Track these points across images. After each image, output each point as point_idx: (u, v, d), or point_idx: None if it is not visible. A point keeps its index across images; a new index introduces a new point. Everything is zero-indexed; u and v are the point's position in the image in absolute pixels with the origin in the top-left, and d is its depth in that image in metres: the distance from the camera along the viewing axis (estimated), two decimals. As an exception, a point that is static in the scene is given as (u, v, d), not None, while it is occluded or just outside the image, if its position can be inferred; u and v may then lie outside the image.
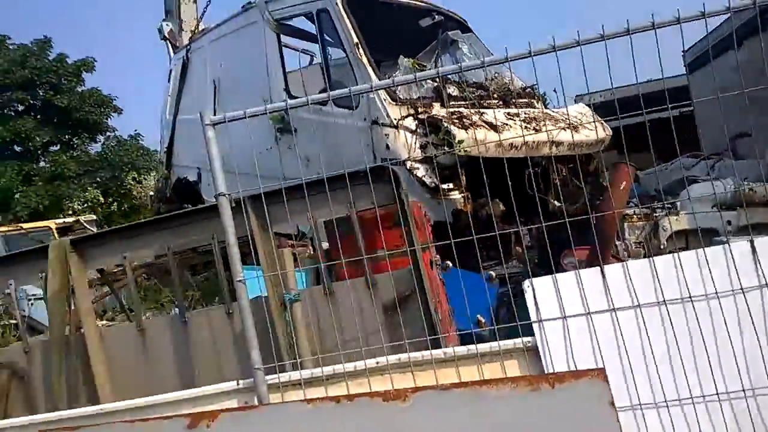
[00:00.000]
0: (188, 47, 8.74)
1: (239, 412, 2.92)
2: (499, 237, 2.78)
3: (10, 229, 12.48)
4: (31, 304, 7.30)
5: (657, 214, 5.24)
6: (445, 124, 4.86)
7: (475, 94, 5.63)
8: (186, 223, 3.55)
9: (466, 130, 4.92)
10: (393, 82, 3.34)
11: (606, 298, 2.81)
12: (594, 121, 5.65)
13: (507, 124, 5.34)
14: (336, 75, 6.13)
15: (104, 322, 6.22)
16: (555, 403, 2.52)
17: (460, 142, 4.74)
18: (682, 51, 10.04)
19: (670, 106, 2.59)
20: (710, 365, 2.57)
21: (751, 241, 2.64)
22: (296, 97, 6.22)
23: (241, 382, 3.02)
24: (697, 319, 2.62)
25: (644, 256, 4.18)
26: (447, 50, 6.68)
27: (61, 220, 13.30)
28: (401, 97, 5.33)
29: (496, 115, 5.28)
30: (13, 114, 21.29)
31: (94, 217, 15.79)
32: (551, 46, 2.61)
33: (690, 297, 2.65)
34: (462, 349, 2.93)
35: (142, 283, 6.69)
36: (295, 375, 2.95)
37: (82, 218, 13.49)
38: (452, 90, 5.57)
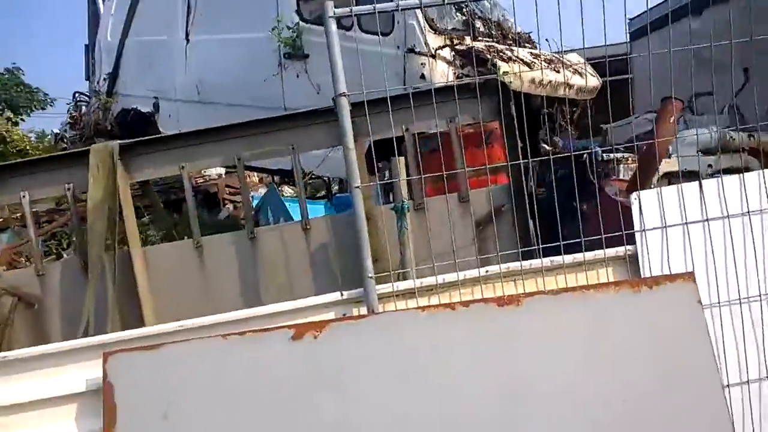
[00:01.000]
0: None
1: (350, 321, 2.93)
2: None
3: None
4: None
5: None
6: (490, 56, 4.97)
7: (497, 32, 5.77)
8: (257, 132, 3.40)
9: (507, 63, 5.07)
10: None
11: (701, 209, 3.11)
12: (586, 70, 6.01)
13: (534, 62, 5.56)
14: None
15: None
16: (653, 303, 2.83)
17: (506, 73, 4.87)
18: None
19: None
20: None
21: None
22: (307, 20, 6.08)
23: (345, 293, 3.02)
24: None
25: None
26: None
27: None
28: (438, 27, 5.35)
29: (522, 53, 5.47)
30: None
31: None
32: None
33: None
34: (568, 258, 3.09)
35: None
36: (402, 285, 2.98)
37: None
38: (479, 26, 5.68)
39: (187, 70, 7.60)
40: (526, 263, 3.11)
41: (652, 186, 5.22)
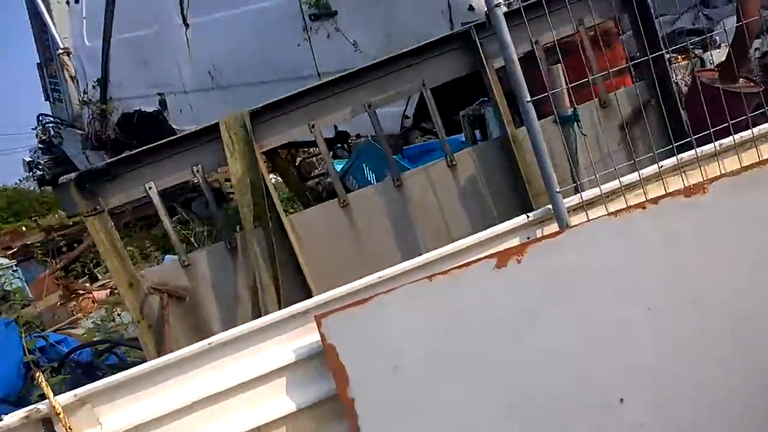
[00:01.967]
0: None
1: (548, 240, 2.83)
2: None
3: None
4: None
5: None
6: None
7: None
8: (384, 74, 3.24)
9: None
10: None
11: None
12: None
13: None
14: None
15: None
16: None
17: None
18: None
19: None
20: None
21: None
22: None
23: (530, 214, 2.93)
24: None
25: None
26: None
27: None
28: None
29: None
30: None
31: None
32: None
33: None
34: (728, 140, 3.07)
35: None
36: (586, 194, 2.91)
37: None
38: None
39: (192, 58, 7.21)
40: (691, 152, 3.09)
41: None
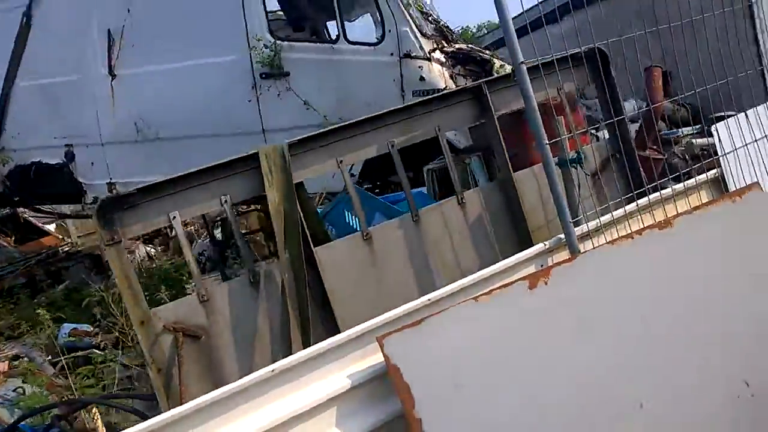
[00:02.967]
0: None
1: (566, 264, 3.21)
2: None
3: None
4: None
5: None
6: (491, 58, 5.56)
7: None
8: (406, 118, 3.53)
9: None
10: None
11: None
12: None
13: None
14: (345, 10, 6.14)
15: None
16: (745, 208, 3.54)
17: (498, 69, 5.52)
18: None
19: None
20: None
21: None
22: (282, 39, 6.08)
23: (546, 242, 3.31)
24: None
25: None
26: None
27: None
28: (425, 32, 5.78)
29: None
30: None
31: None
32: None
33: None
34: (679, 186, 3.77)
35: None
36: (591, 225, 3.37)
37: None
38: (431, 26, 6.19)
39: (116, 109, 6.87)
40: (653, 196, 3.72)
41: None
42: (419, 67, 5.68)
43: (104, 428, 3.94)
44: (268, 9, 6.17)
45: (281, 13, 7.10)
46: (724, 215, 3.48)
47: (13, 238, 10.74)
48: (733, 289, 3.31)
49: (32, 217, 10.71)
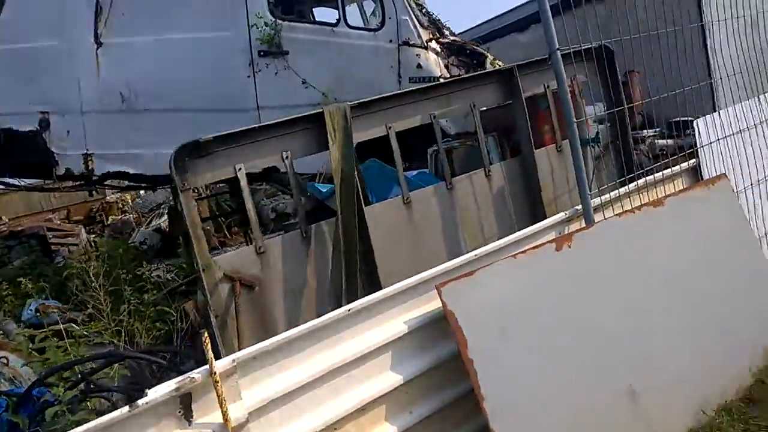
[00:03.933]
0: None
1: (585, 231, 3.61)
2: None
3: None
4: None
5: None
6: (484, 51, 5.92)
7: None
8: (447, 93, 3.81)
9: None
10: None
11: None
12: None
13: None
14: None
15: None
16: (716, 194, 4.12)
17: (492, 62, 5.90)
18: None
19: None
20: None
21: None
22: (285, 18, 6.18)
23: (566, 213, 3.70)
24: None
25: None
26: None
27: None
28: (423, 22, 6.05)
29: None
30: None
31: None
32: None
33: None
34: (667, 171, 4.28)
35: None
36: (604, 198, 3.79)
37: None
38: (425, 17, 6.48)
39: (101, 77, 6.67)
40: (644, 179, 4.20)
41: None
42: (417, 55, 5.92)
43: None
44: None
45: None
46: (701, 198, 4.03)
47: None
48: (707, 253, 3.84)
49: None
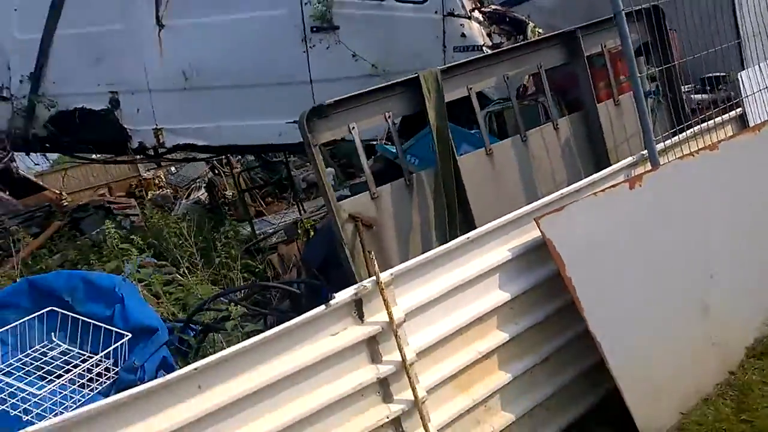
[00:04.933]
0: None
1: (652, 172, 4.07)
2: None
3: None
4: None
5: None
6: (524, 19, 6.30)
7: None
8: (518, 55, 4.24)
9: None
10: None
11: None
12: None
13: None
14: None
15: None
16: (760, 138, 4.55)
17: (534, 29, 6.29)
18: None
19: None
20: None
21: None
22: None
23: (633, 157, 4.16)
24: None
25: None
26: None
27: None
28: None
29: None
30: None
31: None
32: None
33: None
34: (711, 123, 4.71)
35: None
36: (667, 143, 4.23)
37: None
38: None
39: (165, 58, 7.09)
40: (698, 127, 4.64)
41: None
42: (461, 24, 6.27)
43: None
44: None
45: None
46: (750, 142, 4.48)
47: (7, 192, 10.58)
48: (759, 188, 4.32)
49: (23, 172, 10.56)
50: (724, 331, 3.77)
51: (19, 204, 10.10)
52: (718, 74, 5.74)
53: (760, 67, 5.08)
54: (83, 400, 2.97)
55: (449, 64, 3.97)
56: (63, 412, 2.74)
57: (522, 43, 4.33)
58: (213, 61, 6.91)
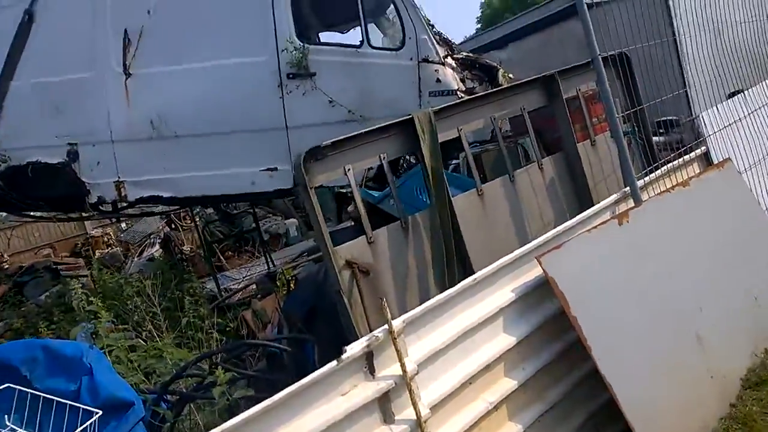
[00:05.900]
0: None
1: (635, 209, 4.16)
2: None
3: None
4: None
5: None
6: (496, 65, 6.50)
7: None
8: (502, 98, 4.33)
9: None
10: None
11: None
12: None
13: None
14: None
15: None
16: (724, 176, 4.80)
17: (504, 75, 6.49)
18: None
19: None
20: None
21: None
22: (310, 42, 6.60)
23: (616, 194, 4.25)
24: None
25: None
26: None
27: None
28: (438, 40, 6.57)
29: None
30: None
31: None
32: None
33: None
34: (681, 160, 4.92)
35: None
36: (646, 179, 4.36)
37: None
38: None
39: (131, 107, 6.87)
40: (669, 165, 4.81)
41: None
42: (435, 70, 6.40)
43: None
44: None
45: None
46: (715, 179, 4.68)
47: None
48: (729, 220, 4.49)
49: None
50: (719, 363, 3.79)
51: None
52: (671, 118, 6.07)
53: (717, 108, 5.36)
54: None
55: (441, 106, 3.97)
56: None
57: (508, 86, 4.42)
58: (183, 110, 6.74)
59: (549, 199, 4.49)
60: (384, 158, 3.75)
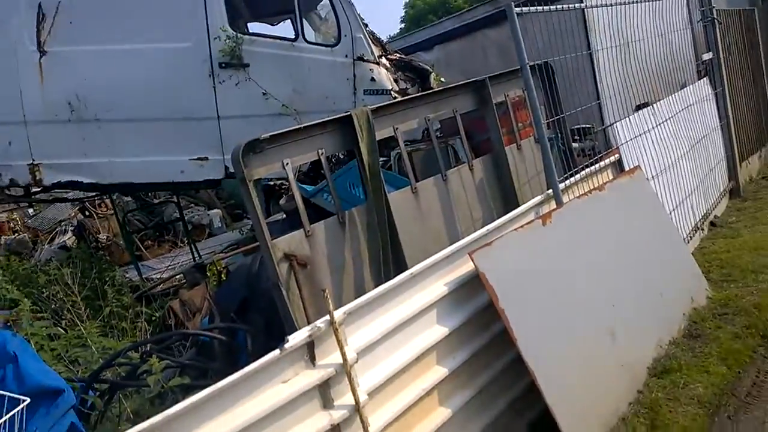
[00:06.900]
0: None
1: (558, 210, 4.42)
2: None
3: None
4: None
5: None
6: (428, 68, 6.62)
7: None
8: (436, 100, 4.45)
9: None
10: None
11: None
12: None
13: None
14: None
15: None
16: (633, 182, 5.24)
17: (436, 77, 6.65)
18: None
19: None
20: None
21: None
22: (245, 32, 6.46)
23: (540, 196, 4.49)
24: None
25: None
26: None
27: None
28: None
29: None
30: None
31: None
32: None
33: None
34: (596, 166, 5.28)
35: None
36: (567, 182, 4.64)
37: None
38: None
39: (45, 86, 6.41)
40: (586, 171, 5.13)
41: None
42: (370, 69, 6.44)
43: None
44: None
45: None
46: (627, 184, 5.05)
47: None
48: (639, 221, 4.86)
49: None
50: (629, 353, 4.10)
51: None
52: (585, 126, 6.47)
53: (629, 119, 5.76)
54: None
55: (377, 105, 4.01)
56: None
57: (442, 89, 4.52)
58: (106, 93, 6.38)
59: (478, 198, 4.65)
60: (322, 153, 3.75)
